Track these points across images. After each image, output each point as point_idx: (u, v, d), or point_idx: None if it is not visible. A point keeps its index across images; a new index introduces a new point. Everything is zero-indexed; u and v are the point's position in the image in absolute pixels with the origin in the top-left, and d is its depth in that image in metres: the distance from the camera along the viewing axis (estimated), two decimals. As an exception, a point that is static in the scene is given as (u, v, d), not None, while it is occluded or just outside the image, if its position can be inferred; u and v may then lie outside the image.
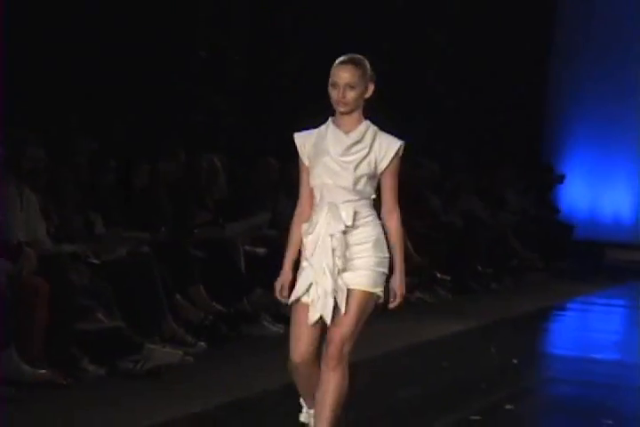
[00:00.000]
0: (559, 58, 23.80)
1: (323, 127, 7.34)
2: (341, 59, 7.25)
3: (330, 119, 7.33)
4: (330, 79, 7.21)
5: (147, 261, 12.01)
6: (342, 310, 7.12)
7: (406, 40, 20.90)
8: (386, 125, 11.30)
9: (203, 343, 11.67)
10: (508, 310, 17.26)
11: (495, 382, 12.13)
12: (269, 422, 9.38)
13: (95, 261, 11.57)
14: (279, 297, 7.35)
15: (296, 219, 7.40)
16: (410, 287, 15.97)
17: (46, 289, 10.67)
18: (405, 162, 20.13)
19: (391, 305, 7.36)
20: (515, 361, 13.20)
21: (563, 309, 18.88)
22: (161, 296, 11.94)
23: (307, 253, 7.22)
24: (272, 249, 13.71)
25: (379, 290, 7.26)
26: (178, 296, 12.23)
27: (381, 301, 7.35)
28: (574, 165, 23.41)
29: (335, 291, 7.10)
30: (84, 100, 15.31)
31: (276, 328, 12.73)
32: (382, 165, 7.23)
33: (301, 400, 7.67)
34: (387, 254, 7.31)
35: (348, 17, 19.34)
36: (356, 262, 7.17)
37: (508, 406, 10.83)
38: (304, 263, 7.27)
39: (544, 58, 23.91)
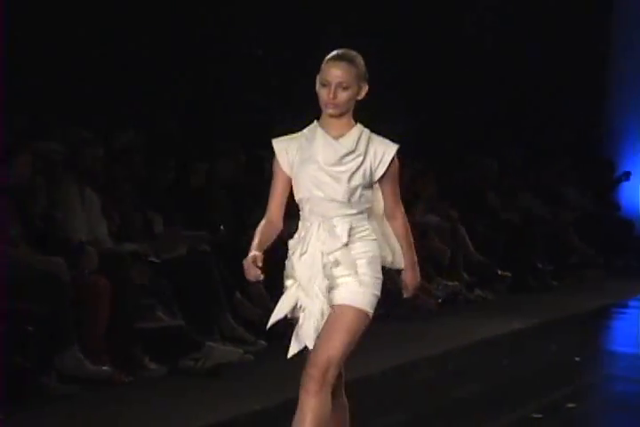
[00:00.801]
0: (621, 46, 23.42)
1: (306, 131, 6.66)
2: (333, 54, 6.55)
3: (315, 122, 6.63)
4: (319, 77, 6.50)
5: (206, 259, 12.10)
6: (316, 332, 6.51)
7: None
8: (444, 124, 11.52)
9: (262, 342, 11.77)
10: (567, 307, 17.22)
11: (556, 380, 12.12)
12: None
13: (155, 260, 11.71)
14: (250, 275, 6.47)
15: (262, 228, 6.64)
16: (470, 285, 16.59)
17: (108, 288, 10.82)
18: (461, 160, 18.98)
19: (406, 294, 6.82)
20: (577, 359, 13.25)
21: (623, 306, 18.71)
22: (220, 294, 12.06)
23: (296, 273, 6.54)
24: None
25: (371, 308, 6.52)
26: (237, 294, 12.34)
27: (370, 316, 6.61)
28: (637, 160, 23.34)
29: (324, 313, 6.48)
30: (143, 99, 15.42)
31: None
32: (379, 173, 6.57)
33: None
34: (381, 276, 6.63)
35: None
36: (349, 279, 6.52)
37: (569, 405, 10.80)
38: (288, 282, 6.62)
39: (605, 46, 23.50)
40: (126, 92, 15.31)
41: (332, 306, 6.44)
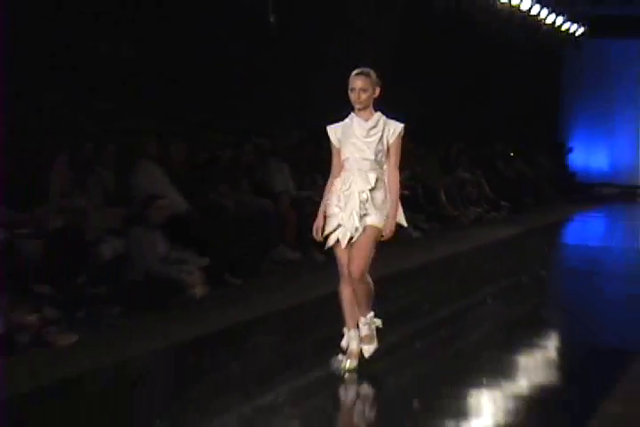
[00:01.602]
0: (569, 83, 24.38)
1: (347, 120, 7.21)
2: (356, 71, 7.14)
3: (352, 113, 7.20)
4: (349, 86, 7.12)
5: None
6: (346, 239, 7.05)
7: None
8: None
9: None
10: (540, 221, 18.88)
11: (535, 259, 14.04)
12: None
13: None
14: (315, 236, 7.17)
15: (331, 180, 7.22)
16: (487, 210, 18.37)
17: (294, 216, 12.05)
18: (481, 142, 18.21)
19: (384, 238, 7.18)
20: (545, 249, 15.63)
21: (570, 219, 20.90)
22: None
23: (340, 202, 7.08)
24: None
25: (382, 225, 7.07)
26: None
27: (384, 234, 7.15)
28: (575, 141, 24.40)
29: (356, 229, 7.01)
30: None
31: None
32: (390, 142, 7.13)
33: (344, 329, 7.37)
34: (387, 206, 7.11)
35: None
36: (372, 211, 7.04)
37: (542, 272, 12.90)
38: (335, 209, 7.11)
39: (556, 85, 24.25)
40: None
41: (363, 226, 7.03)
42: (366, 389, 7.13)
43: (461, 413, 6.55)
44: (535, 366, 7.97)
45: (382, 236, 7.15)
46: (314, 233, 7.18)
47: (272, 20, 14.39)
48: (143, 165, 10.93)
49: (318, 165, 13.30)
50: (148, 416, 6.35)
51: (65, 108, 11.08)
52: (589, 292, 11.60)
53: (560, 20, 21.76)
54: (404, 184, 14.78)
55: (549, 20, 21.28)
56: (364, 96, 7.12)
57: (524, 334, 8.95)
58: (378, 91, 7.20)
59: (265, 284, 10.77)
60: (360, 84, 7.12)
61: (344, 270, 7.17)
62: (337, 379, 7.13)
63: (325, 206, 7.20)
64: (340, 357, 7.28)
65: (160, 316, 9.16)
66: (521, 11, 19.72)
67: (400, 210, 7.23)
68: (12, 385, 6.85)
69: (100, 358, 7.65)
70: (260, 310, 9.46)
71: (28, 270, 8.38)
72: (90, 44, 11.75)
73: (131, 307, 9.17)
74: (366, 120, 7.16)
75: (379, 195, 7.12)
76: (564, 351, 8.74)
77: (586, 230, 19.67)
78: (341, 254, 7.17)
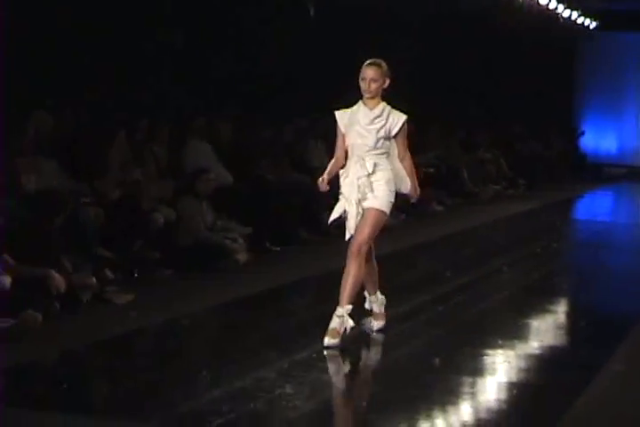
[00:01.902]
0: (582, 73, 24.19)
1: (355, 107, 6.96)
2: (368, 61, 6.90)
3: (360, 101, 6.95)
4: (360, 75, 6.88)
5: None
6: (353, 226, 6.82)
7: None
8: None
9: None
10: (553, 197, 18.80)
11: (548, 232, 14.06)
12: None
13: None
14: (321, 188, 6.91)
15: (333, 161, 7.00)
16: (505, 187, 18.44)
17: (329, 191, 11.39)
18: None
19: (413, 200, 7.20)
20: (558, 223, 15.73)
21: (581, 196, 20.75)
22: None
23: (343, 190, 6.89)
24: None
25: (387, 209, 6.89)
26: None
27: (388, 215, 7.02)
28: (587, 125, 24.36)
29: (358, 214, 6.77)
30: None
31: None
32: (395, 131, 6.89)
33: (364, 293, 7.23)
34: (394, 189, 6.95)
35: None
36: (371, 195, 6.81)
37: (554, 244, 12.99)
38: (340, 196, 6.95)
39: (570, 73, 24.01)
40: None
41: (363, 209, 6.81)
42: (392, 346, 7.12)
43: (478, 370, 6.57)
44: (546, 329, 8.01)
45: (411, 200, 7.22)
46: (319, 185, 6.97)
47: (311, 11, 14.12)
48: (193, 142, 10.97)
49: None
50: (195, 368, 6.39)
51: (124, 89, 11.25)
52: (597, 262, 11.69)
53: (575, 14, 21.72)
54: (429, 163, 15.51)
55: (565, 14, 21.22)
56: (374, 86, 6.89)
57: (536, 300, 8.98)
58: (388, 82, 6.96)
59: (302, 251, 10.84)
60: (371, 74, 6.89)
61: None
62: (366, 337, 7.19)
63: (324, 175, 6.97)
64: (367, 319, 7.24)
65: (207, 278, 9.22)
66: (539, 5, 19.62)
67: (408, 181, 7.10)
68: (75, 339, 6.98)
69: (153, 316, 7.76)
70: (297, 275, 9.50)
71: (89, 236, 8.47)
72: (147, 31, 11.78)
73: (181, 270, 9.29)
74: (372, 109, 6.93)
75: (380, 177, 6.87)
76: (572, 316, 8.77)
77: (595, 207, 19.79)
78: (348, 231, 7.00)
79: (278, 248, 10.70)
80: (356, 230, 6.84)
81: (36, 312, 7.04)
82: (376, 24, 15.75)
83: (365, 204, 6.83)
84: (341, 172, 6.94)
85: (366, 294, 7.24)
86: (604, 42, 23.06)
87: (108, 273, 8.42)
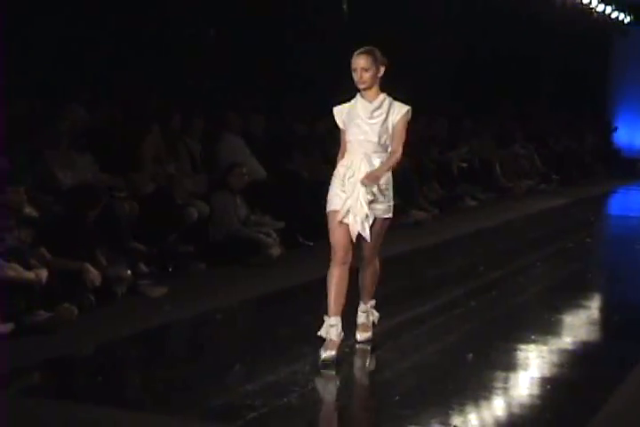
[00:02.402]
0: (616, 67, 23.93)
1: (353, 101, 6.44)
2: (358, 50, 6.38)
3: (358, 94, 6.42)
4: (351, 66, 6.34)
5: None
6: (368, 231, 6.29)
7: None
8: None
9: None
10: (588, 192, 18.79)
11: (581, 228, 13.99)
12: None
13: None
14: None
15: (339, 157, 6.42)
16: (538, 182, 18.28)
17: None
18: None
19: (362, 182, 6.23)
20: (592, 218, 15.72)
21: (615, 192, 20.81)
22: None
23: (346, 188, 6.26)
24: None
25: (391, 216, 6.46)
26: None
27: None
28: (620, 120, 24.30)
29: (367, 216, 6.25)
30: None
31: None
32: (395, 123, 6.31)
33: (325, 316, 6.36)
34: (391, 194, 6.46)
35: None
36: (381, 199, 6.31)
37: (587, 240, 13.08)
38: (340, 193, 6.30)
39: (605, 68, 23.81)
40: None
41: (374, 217, 6.32)
42: (425, 341, 7.11)
43: (512, 365, 6.56)
44: (580, 325, 7.97)
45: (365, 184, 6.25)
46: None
47: (345, 8, 14.17)
48: (226, 137, 10.98)
49: None
50: (228, 362, 6.41)
51: (157, 83, 11.26)
52: (630, 258, 11.61)
53: (609, 8, 21.54)
54: (462, 157, 15.65)
55: (599, 8, 21.09)
56: (366, 76, 6.32)
57: (569, 295, 8.95)
58: (382, 70, 6.37)
59: None
60: (362, 64, 6.32)
61: (340, 253, 6.31)
62: (402, 331, 7.21)
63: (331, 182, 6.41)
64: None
65: (240, 272, 9.24)
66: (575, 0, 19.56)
67: (390, 200, 6.45)
68: (109, 332, 7.02)
69: (186, 309, 7.78)
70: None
71: (124, 230, 8.52)
72: (179, 28, 11.80)
73: (214, 264, 9.31)
74: (370, 101, 6.38)
75: (383, 180, 6.34)
76: (606, 311, 8.73)
77: (628, 202, 19.70)
78: (341, 237, 6.33)
79: (311, 243, 10.60)
80: (364, 238, 6.34)
81: (71, 305, 7.10)
82: (410, 20, 15.74)
83: (378, 210, 6.37)
84: (341, 170, 6.36)
85: (325, 316, 6.39)
86: (639, 36, 22.92)
87: (143, 267, 8.47)
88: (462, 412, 5.48)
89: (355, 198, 6.25)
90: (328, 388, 5.78)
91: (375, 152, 6.35)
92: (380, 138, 6.33)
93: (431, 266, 9.99)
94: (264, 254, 9.75)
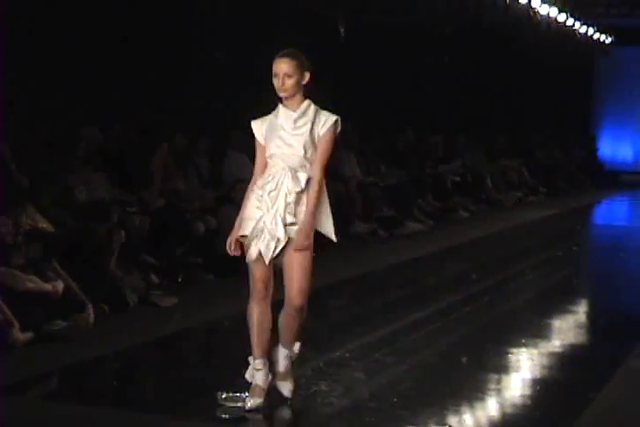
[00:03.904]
0: (600, 84, 23.97)
1: (274, 112, 5.41)
2: (280, 53, 5.37)
3: (280, 105, 5.39)
4: (272, 71, 5.34)
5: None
6: (271, 253, 5.15)
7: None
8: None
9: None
10: (573, 203, 18.64)
11: (567, 237, 13.95)
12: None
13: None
14: (229, 251, 5.40)
15: (252, 182, 5.37)
16: (526, 194, 18.18)
17: (360, 198, 12.18)
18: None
19: (295, 248, 5.22)
20: (578, 227, 15.75)
21: (599, 202, 20.68)
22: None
23: (262, 204, 5.23)
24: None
25: (311, 241, 5.28)
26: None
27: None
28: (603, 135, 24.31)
29: (278, 239, 5.15)
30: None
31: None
32: (321, 134, 5.26)
33: (250, 358, 5.44)
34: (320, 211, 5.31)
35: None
36: (303, 219, 5.20)
37: (574, 248, 12.93)
38: (255, 211, 5.27)
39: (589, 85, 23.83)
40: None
41: (289, 238, 5.19)
42: (422, 345, 7.11)
43: (503, 367, 6.57)
44: (568, 328, 7.99)
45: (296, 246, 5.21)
46: (227, 247, 5.37)
47: (342, 31, 14.01)
48: (232, 154, 10.92)
49: (382, 155, 14.08)
50: (236, 367, 6.32)
51: (166, 105, 11.23)
52: (615, 265, 11.60)
53: (591, 30, 21.63)
54: (455, 172, 15.58)
55: (582, 30, 21.14)
56: (289, 82, 5.30)
57: (558, 301, 8.95)
58: (307, 76, 5.35)
59: (335, 256, 10.58)
60: (285, 69, 5.31)
61: (258, 287, 5.27)
62: (400, 335, 7.24)
63: (241, 211, 5.36)
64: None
65: (246, 282, 9.11)
66: (557, 22, 19.56)
67: (329, 219, 5.37)
68: (123, 339, 7.03)
69: (195, 317, 7.79)
70: (330, 279, 9.30)
71: (136, 243, 8.50)
72: (189, 52, 11.75)
73: (221, 274, 9.25)
74: (294, 110, 5.35)
75: (304, 201, 5.27)
76: (592, 316, 8.73)
77: (612, 212, 19.72)
78: (258, 269, 5.26)
79: (314, 253, 10.71)
80: (292, 274, 5.22)
81: (87, 314, 7.13)
82: (404, 40, 15.75)
83: (292, 231, 5.21)
84: (259, 183, 5.33)
85: (250, 358, 5.47)
86: (620, 55, 22.95)
87: (154, 278, 8.46)
88: (457, 412, 5.48)
89: (271, 214, 5.21)
90: (329, 391, 5.72)
91: (301, 166, 5.28)
92: (305, 151, 5.26)
93: (427, 274, 10.04)
94: (268, 266, 9.71)
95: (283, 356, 5.46)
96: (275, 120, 5.37)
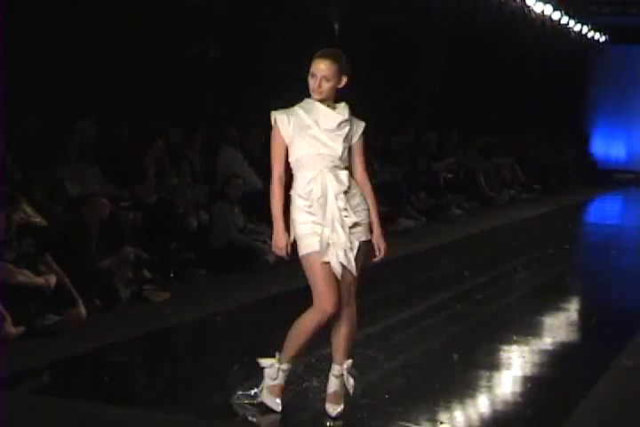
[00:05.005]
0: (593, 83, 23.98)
1: (303, 105, 5.11)
2: (321, 51, 5.10)
3: (309, 100, 5.12)
4: (310, 69, 5.05)
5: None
6: (353, 263, 4.98)
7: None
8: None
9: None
10: (567, 201, 18.67)
11: (561, 234, 14.05)
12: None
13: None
14: (286, 256, 5.16)
15: (278, 184, 5.10)
16: (520, 192, 18.17)
17: None
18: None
19: (376, 259, 5.14)
20: (570, 226, 15.72)
21: (592, 200, 20.70)
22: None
23: (317, 217, 4.96)
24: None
25: (370, 237, 5.10)
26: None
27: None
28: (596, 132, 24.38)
29: (350, 247, 4.94)
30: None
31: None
32: (355, 139, 5.08)
33: (277, 356, 5.29)
34: (364, 214, 5.08)
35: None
36: (357, 218, 5.01)
37: (566, 246, 12.89)
38: (311, 226, 4.99)
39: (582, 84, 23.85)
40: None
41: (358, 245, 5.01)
42: (413, 342, 7.12)
43: (494, 365, 6.57)
44: (559, 326, 7.98)
45: (374, 259, 5.11)
46: (279, 251, 5.14)
47: (336, 29, 13.83)
48: (225, 150, 10.94)
49: (375, 152, 13.61)
50: (227, 362, 6.41)
51: (160, 101, 11.25)
52: (607, 263, 11.65)
53: (585, 28, 21.58)
54: (448, 169, 15.62)
55: (576, 29, 21.10)
56: (326, 86, 5.04)
57: (550, 298, 8.93)
58: (345, 80, 5.10)
59: None
60: (323, 71, 5.03)
61: (329, 305, 5.01)
62: (392, 332, 7.22)
63: (292, 225, 5.06)
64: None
65: (238, 278, 9.19)
66: (552, 20, 19.48)
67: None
68: (115, 333, 7.01)
69: (188, 312, 7.77)
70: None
71: (128, 238, 8.48)
72: (182, 47, 11.80)
73: (214, 270, 9.29)
74: (335, 109, 5.12)
75: (355, 199, 5.08)
76: (584, 314, 8.74)
77: (605, 210, 19.71)
78: (329, 286, 5.01)
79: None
80: (351, 279, 5.04)
81: (79, 309, 7.11)
82: (396, 38, 15.79)
83: (357, 234, 5.05)
84: (299, 190, 5.05)
85: (277, 360, 5.29)
86: (614, 54, 22.92)
87: (146, 273, 8.45)
88: (448, 409, 5.49)
89: (329, 223, 4.94)
90: (321, 386, 5.67)
91: (338, 167, 5.05)
92: (343, 153, 5.05)
93: (419, 271, 10.01)
94: (261, 261, 9.71)
95: (335, 373, 5.29)
96: (304, 116, 5.08)
